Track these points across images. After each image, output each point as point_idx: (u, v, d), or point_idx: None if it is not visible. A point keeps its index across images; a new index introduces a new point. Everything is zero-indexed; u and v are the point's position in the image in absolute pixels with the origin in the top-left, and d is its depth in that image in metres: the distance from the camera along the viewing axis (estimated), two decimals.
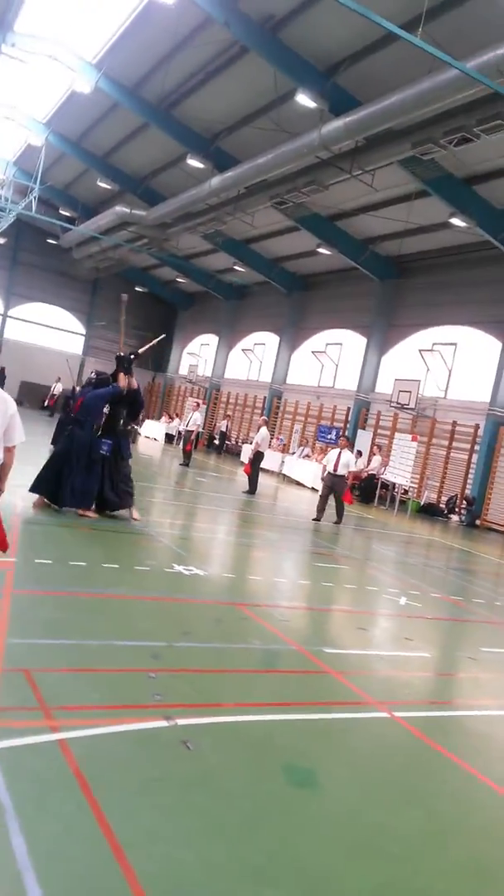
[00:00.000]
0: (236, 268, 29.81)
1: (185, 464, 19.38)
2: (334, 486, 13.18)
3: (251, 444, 17.29)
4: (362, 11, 9.89)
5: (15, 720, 3.37)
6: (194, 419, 20.17)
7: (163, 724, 3.63)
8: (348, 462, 13.34)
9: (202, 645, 4.96)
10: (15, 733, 3.25)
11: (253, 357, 32.14)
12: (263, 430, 16.08)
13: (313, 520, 13.18)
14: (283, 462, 22.56)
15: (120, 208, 25.99)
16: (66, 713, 3.54)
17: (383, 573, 9.52)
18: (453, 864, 2.93)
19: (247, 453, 20.02)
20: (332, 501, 13.35)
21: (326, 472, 13.35)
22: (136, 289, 39.47)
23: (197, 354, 37.31)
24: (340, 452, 13.24)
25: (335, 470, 13.08)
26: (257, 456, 15.64)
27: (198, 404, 23.05)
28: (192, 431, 19.92)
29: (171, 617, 5.53)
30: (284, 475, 22.04)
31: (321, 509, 13.31)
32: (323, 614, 6.65)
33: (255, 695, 4.25)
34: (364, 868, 2.78)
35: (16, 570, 5.87)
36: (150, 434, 30.37)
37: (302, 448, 23.56)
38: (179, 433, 30.07)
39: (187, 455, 19.66)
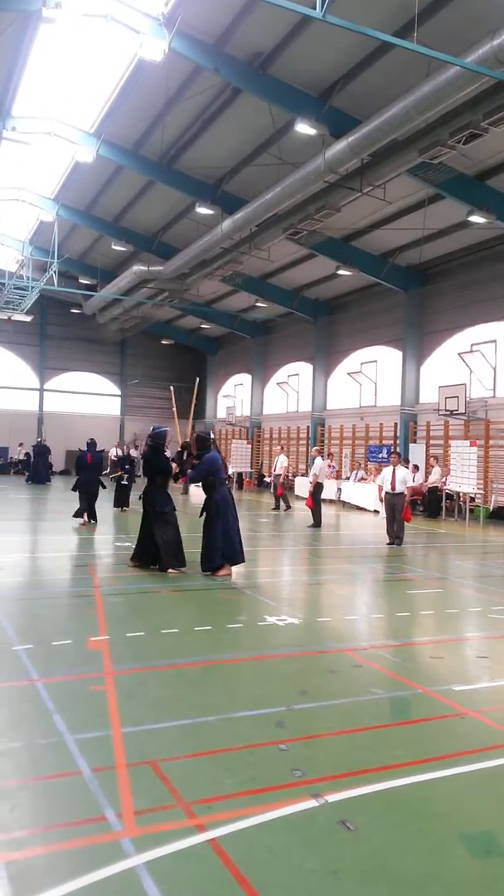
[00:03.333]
0: (258, 304, 29.87)
1: (277, 507, 19.25)
2: (395, 504, 12.74)
3: (306, 476, 17.02)
4: (356, 28, 9.81)
5: (157, 824, 3.07)
6: (280, 462, 19.96)
7: (312, 803, 3.29)
8: (405, 478, 12.88)
9: (324, 703, 4.60)
10: (161, 839, 2.94)
11: (289, 389, 31.97)
12: (318, 460, 15.78)
13: (388, 544, 12.73)
14: (339, 489, 22.13)
15: (137, 267, 26.36)
16: (206, 807, 3.22)
17: (478, 590, 9.02)
18: None
19: (302, 486, 19.70)
20: None
21: (385, 492, 12.90)
22: (163, 342, 39.93)
23: (232, 396, 37.32)
24: (394, 469, 12.80)
25: (392, 488, 12.64)
26: (317, 487, 15.31)
27: (281, 447, 22.90)
28: (280, 475, 19.74)
29: (281, 676, 5.19)
30: (344, 502, 21.58)
31: (391, 531, 12.85)
32: (435, 647, 6.22)
33: (398, 753, 3.87)
34: None
35: (110, 647, 5.63)
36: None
37: (356, 472, 23.11)
38: (230, 477, 30.00)
39: (278, 499, 19.46)
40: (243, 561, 9.31)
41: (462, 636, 6.67)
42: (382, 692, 4.86)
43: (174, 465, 9.46)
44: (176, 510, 9.45)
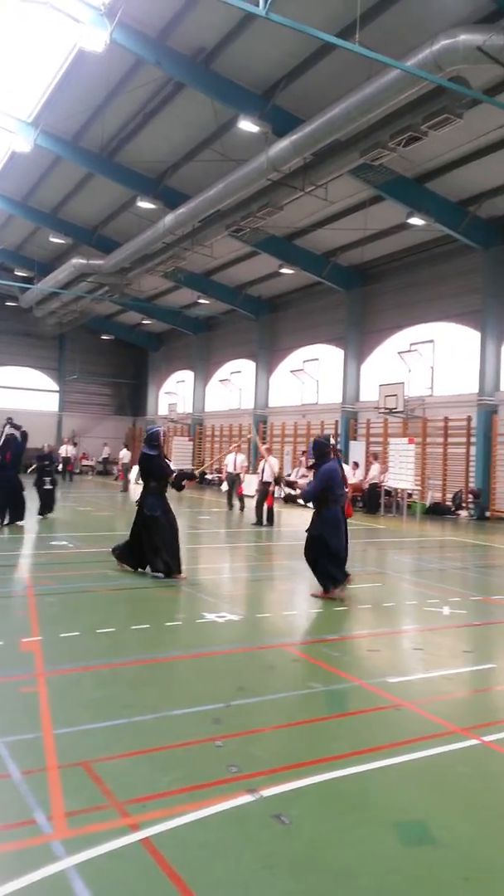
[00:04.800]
0: (201, 301, 29.76)
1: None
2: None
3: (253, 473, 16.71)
4: (298, 27, 9.85)
5: (88, 825, 3.01)
6: (240, 461, 18.61)
7: (248, 798, 3.27)
8: (347, 475, 13.02)
9: (261, 699, 4.60)
10: (93, 840, 2.88)
11: (232, 386, 31.97)
12: (272, 458, 15.71)
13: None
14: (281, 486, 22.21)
15: (76, 260, 25.89)
16: (140, 806, 3.17)
17: (414, 584, 9.20)
18: None
19: (250, 485, 19.53)
20: None
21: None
22: (103, 337, 39.34)
23: (174, 393, 37.09)
24: (341, 465, 12.90)
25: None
26: (268, 486, 15.14)
27: (239, 446, 20.97)
28: (238, 474, 18.57)
29: (219, 673, 5.17)
30: (284, 498, 21.70)
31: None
32: (373, 640, 6.31)
33: (333, 746, 3.90)
34: None
35: (43, 648, 5.50)
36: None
37: (297, 469, 23.27)
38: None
39: (241, 498, 18.51)
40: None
41: (398, 629, 6.78)
42: (320, 686, 4.90)
43: (172, 474, 8.80)
44: (169, 513, 8.72)
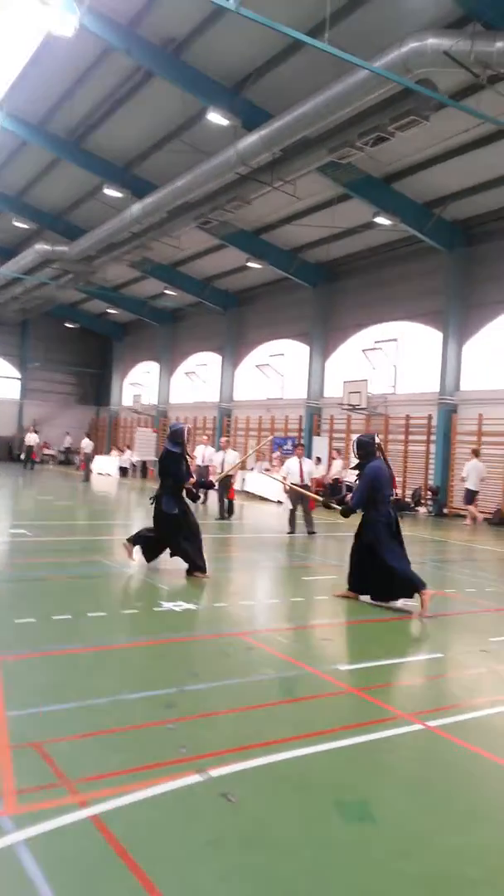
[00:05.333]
0: (167, 292, 29.66)
1: (230, 514, 15.18)
2: (303, 496, 13.02)
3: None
4: (269, 24, 9.90)
5: (38, 802, 3.06)
6: (231, 459, 15.84)
7: (196, 778, 3.36)
8: (311, 470, 13.24)
9: (215, 684, 4.69)
10: (42, 817, 2.93)
11: (197, 379, 31.94)
12: (232, 451, 15.88)
13: (287, 533, 13.02)
14: (244, 479, 22.36)
15: (40, 246, 25.57)
16: (91, 784, 3.23)
17: None
18: None
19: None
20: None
21: (290, 484, 13.05)
22: (67, 325, 38.91)
23: (139, 384, 36.89)
24: (301, 462, 13.09)
25: (301, 480, 12.91)
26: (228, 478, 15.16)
27: (228, 441, 18.53)
28: (232, 476, 15.90)
29: (174, 659, 5.24)
30: (248, 492, 21.83)
31: (293, 522, 13.16)
32: (326, 630, 6.45)
33: (282, 730, 4.01)
34: None
35: None
36: (104, 470, 29.81)
37: (261, 463, 23.41)
38: (133, 465, 29.68)
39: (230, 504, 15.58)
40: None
41: (353, 619, 6.93)
42: (272, 673, 5.00)
43: (192, 479, 8.45)
44: (188, 513, 8.37)
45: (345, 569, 7.73)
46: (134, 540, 8.65)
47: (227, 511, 15.01)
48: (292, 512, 13.22)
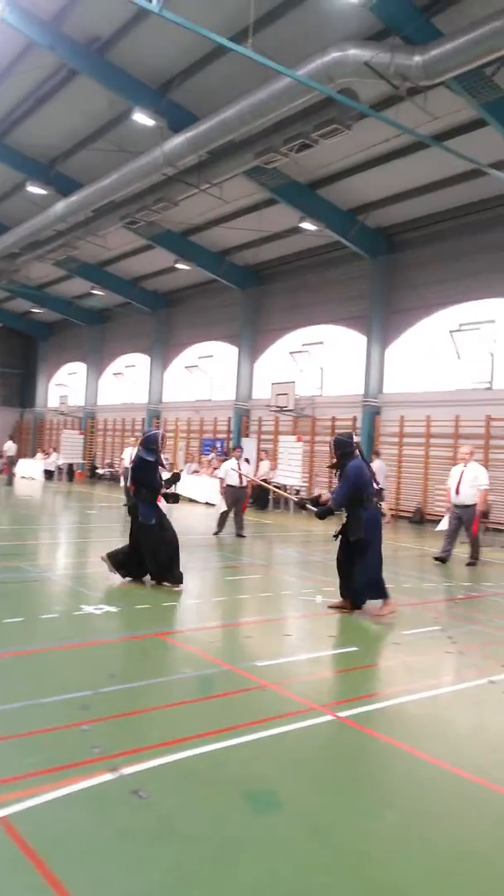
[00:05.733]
0: (95, 292, 29.24)
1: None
2: (239, 498, 13.15)
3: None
4: (192, 27, 9.96)
5: None
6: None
7: (108, 777, 3.39)
8: (249, 471, 13.33)
9: (132, 685, 4.72)
10: None
11: (125, 380, 31.63)
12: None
13: (214, 534, 13.09)
14: None
15: None
16: (0, 787, 3.22)
17: (293, 575, 9.57)
18: (440, 856, 2.90)
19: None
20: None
21: (226, 485, 13.08)
22: None
23: (65, 385, 36.21)
24: (240, 463, 13.10)
25: (240, 481, 12.98)
26: None
27: (135, 439, 17.68)
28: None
29: (92, 662, 5.23)
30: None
31: (223, 523, 13.21)
32: (247, 628, 6.55)
33: (197, 726, 4.07)
34: (349, 878, 2.70)
35: None
36: (28, 473, 29.16)
37: (189, 464, 23.40)
38: (59, 468, 29.14)
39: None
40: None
41: (272, 617, 7.06)
42: (191, 671, 5.06)
43: (163, 485, 8.15)
44: (165, 521, 8.05)
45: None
46: (119, 567, 8.16)
47: None
48: (225, 514, 13.23)
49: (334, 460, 7.27)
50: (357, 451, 7.24)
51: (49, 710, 4.20)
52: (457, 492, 10.99)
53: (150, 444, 8.06)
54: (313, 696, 4.66)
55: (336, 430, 20.85)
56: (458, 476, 11.07)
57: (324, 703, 4.49)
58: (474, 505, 10.95)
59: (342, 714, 4.33)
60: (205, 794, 3.30)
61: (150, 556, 7.92)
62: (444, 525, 11.64)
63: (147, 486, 7.96)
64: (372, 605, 7.18)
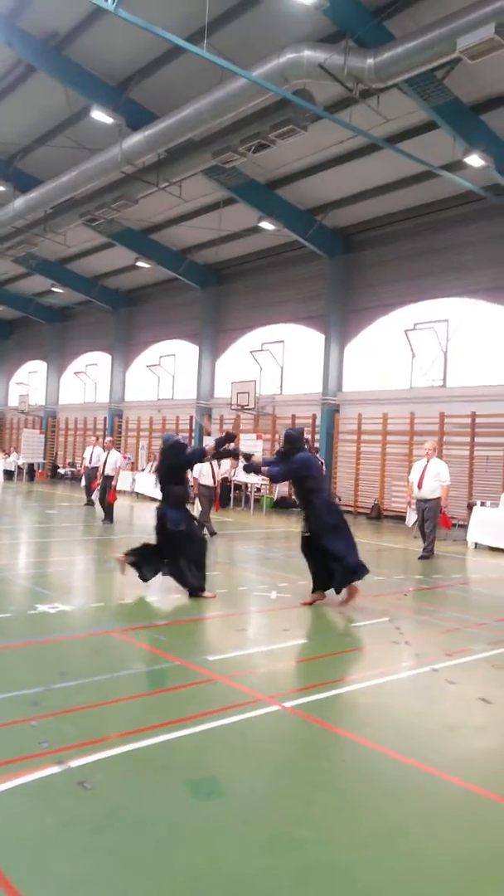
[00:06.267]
0: (54, 289, 28.96)
1: (110, 519, 14.58)
2: (211, 497, 13.27)
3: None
4: (147, 27, 9.99)
5: None
6: (113, 460, 14.92)
7: (55, 769, 3.45)
8: (223, 471, 13.41)
9: (82, 681, 4.77)
10: None
11: (87, 379, 31.41)
12: (115, 452, 15.50)
13: (212, 535, 13.09)
14: (133, 480, 22.26)
15: None
16: None
17: (250, 572, 9.68)
18: (368, 834, 3.04)
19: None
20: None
21: (200, 485, 13.12)
22: None
23: (26, 384, 35.80)
24: (212, 463, 13.07)
25: (214, 480, 13.13)
26: (109, 479, 14.88)
27: (113, 441, 17.34)
28: (112, 477, 14.72)
29: (43, 660, 5.27)
30: (138, 493, 21.75)
31: (209, 522, 13.09)
32: (200, 624, 6.64)
33: (145, 719, 4.16)
34: (284, 858, 2.81)
35: None
36: None
37: (151, 463, 23.36)
38: (19, 468, 28.83)
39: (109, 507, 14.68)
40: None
41: (227, 612, 7.16)
42: (142, 667, 5.14)
43: (208, 447, 7.91)
44: (193, 525, 7.86)
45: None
46: (132, 556, 7.88)
47: (108, 514, 14.48)
48: (206, 514, 13.08)
49: (282, 451, 7.51)
50: (305, 446, 7.52)
51: None
52: (419, 486, 11.27)
53: (179, 448, 7.86)
54: (262, 687, 4.77)
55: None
56: (420, 471, 11.35)
57: (271, 694, 4.60)
58: (437, 499, 11.22)
59: (288, 704, 4.45)
60: (149, 784, 3.39)
61: (190, 567, 7.56)
62: (411, 521, 11.90)
63: (182, 469, 7.82)
64: (332, 598, 7.40)
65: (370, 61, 11.86)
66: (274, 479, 7.66)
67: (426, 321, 17.80)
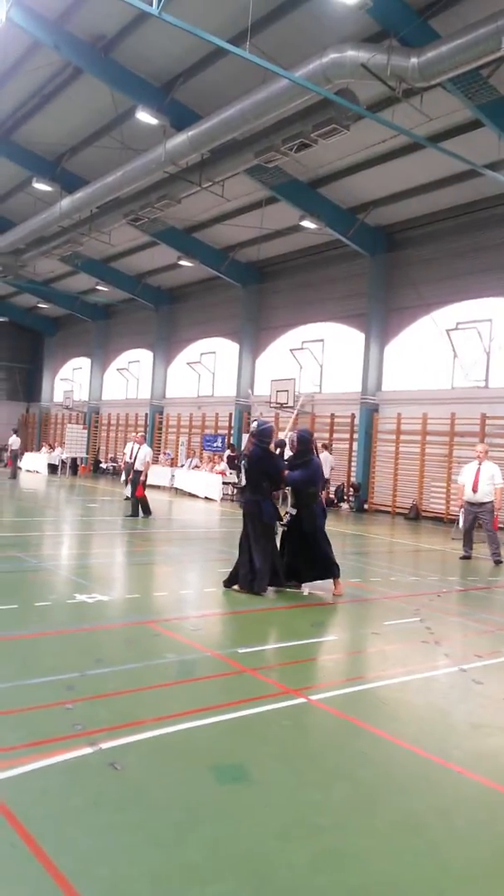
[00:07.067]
0: (99, 287, 29.50)
1: (135, 514, 14.54)
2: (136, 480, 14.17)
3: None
4: (190, 29, 10.15)
5: None
6: (143, 455, 14.83)
7: (88, 750, 3.62)
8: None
9: (116, 668, 4.95)
10: None
11: (129, 375, 31.89)
12: (146, 447, 15.57)
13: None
14: (173, 476, 22.56)
15: None
16: None
17: None
18: (383, 823, 3.13)
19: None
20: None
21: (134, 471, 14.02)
22: None
23: (70, 380, 36.51)
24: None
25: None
26: (138, 474, 14.96)
27: (143, 437, 16.26)
28: (141, 472, 14.66)
29: (80, 647, 5.47)
30: (177, 489, 22.04)
31: None
32: (233, 617, 6.78)
33: (174, 706, 4.31)
34: (300, 843, 2.92)
35: None
36: (32, 467, 29.48)
37: (190, 459, 23.64)
38: (63, 462, 29.45)
39: (140, 502, 14.59)
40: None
41: (260, 607, 7.28)
42: (173, 657, 5.29)
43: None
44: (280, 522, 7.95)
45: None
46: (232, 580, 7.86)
47: (139, 508, 14.49)
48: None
49: (291, 453, 7.98)
50: (314, 449, 8.07)
51: (36, 690, 4.44)
52: (474, 489, 11.12)
53: (265, 438, 7.77)
54: (289, 680, 4.88)
55: (334, 427, 21.05)
56: (473, 473, 11.19)
57: (298, 688, 4.71)
58: (491, 502, 11.11)
59: (314, 697, 4.55)
60: (175, 767, 3.53)
61: (262, 561, 7.53)
62: (461, 524, 11.73)
63: (269, 477, 7.69)
64: (322, 587, 7.92)
65: (414, 60, 11.80)
66: (294, 486, 7.83)
67: (469, 321, 17.62)
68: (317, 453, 8.10)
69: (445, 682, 5.13)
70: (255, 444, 7.75)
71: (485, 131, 13.96)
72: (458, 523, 15.01)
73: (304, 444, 7.82)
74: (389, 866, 2.82)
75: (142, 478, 14.57)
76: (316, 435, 21.34)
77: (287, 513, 8.01)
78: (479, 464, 11.22)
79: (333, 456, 20.44)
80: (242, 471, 7.95)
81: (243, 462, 7.92)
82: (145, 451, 14.81)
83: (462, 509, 11.35)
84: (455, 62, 11.45)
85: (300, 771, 3.60)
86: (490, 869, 2.88)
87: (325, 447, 18.53)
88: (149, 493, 15.24)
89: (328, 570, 7.85)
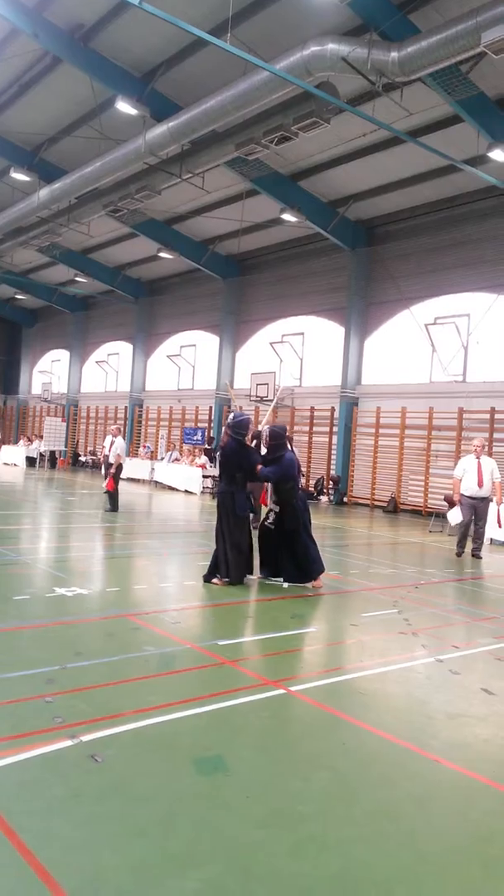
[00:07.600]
0: (78, 279, 29.25)
1: (115, 508, 14.39)
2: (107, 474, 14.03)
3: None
4: (171, 19, 10.06)
5: None
6: (116, 448, 14.58)
7: (68, 743, 3.63)
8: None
9: (96, 661, 4.94)
10: None
11: (108, 368, 31.71)
12: (119, 440, 15.35)
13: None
14: (153, 469, 22.50)
15: None
16: None
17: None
18: (362, 812, 3.17)
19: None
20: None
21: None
22: None
23: (49, 372, 36.21)
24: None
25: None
26: (118, 469, 14.83)
27: (118, 429, 15.28)
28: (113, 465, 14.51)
29: (60, 641, 5.46)
30: (157, 482, 21.99)
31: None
32: (213, 610, 6.80)
33: (154, 699, 4.32)
34: (281, 832, 2.95)
35: None
36: (10, 460, 29.24)
37: (170, 453, 23.59)
38: (41, 455, 29.24)
39: (110, 496, 14.40)
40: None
41: (240, 600, 7.31)
42: (153, 649, 5.30)
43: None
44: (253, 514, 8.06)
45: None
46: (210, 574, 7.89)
47: (108, 504, 14.33)
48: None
49: (264, 448, 8.06)
50: (288, 444, 8.09)
51: (15, 684, 4.42)
52: (479, 484, 11.07)
53: (241, 430, 7.76)
54: (269, 671, 4.91)
55: (314, 421, 21.13)
56: (475, 468, 11.14)
57: (277, 679, 4.75)
58: (491, 496, 11.19)
59: (294, 688, 4.59)
60: (156, 759, 3.55)
61: (233, 552, 7.66)
62: (456, 518, 11.65)
63: (242, 469, 7.70)
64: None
65: (394, 55, 11.84)
66: (267, 480, 7.94)
67: (447, 315, 17.76)
68: (291, 448, 8.17)
69: (423, 672, 5.20)
70: (230, 437, 7.80)
71: (464, 127, 14.05)
72: (435, 516, 15.15)
73: (276, 440, 7.91)
74: (368, 853, 2.86)
75: (112, 470, 14.20)
76: (295, 428, 21.44)
77: (270, 510, 8.04)
78: (478, 458, 11.23)
79: (313, 449, 20.56)
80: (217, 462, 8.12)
81: (218, 453, 8.03)
82: (119, 444, 14.42)
83: (460, 504, 11.31)
84: (435, 57, 11.51)
85: (280, 761, 3.63)
86: (466, 856, 2.93)
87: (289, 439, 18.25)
88: (128, 487, 15.19)
89: (307, 573, 7.90)
